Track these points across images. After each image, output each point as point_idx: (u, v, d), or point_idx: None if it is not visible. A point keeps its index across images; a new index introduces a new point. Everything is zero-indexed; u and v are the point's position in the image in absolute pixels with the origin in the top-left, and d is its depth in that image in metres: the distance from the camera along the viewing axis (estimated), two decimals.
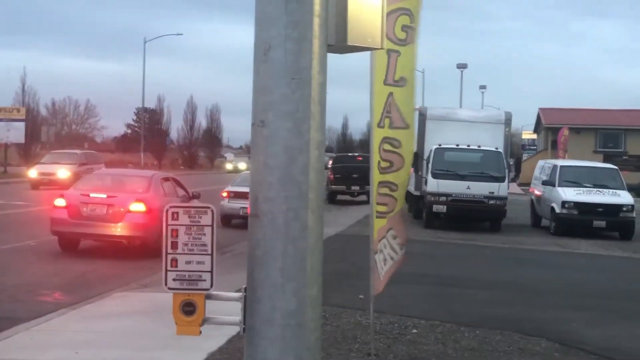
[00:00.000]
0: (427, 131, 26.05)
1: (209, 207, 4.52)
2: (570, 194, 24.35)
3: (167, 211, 4.49)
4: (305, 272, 4.19)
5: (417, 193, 26.52)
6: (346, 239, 19.97)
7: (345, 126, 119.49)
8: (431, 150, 24.83)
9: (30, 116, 64.21)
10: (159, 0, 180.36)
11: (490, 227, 24.87)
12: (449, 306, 11.86)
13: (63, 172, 39.15)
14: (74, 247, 16.81)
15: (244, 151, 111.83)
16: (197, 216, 4.48)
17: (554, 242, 22.55)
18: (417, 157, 25.54)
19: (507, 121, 26.55)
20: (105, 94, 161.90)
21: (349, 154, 47.47)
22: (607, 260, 19.42)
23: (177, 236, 4.47)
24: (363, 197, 33.92)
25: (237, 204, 22.88)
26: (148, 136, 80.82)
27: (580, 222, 24.00)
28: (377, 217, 7.96)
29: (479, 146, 24.78)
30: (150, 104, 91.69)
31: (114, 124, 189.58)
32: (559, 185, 24.88)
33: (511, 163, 26.56)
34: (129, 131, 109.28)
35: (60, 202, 16.43)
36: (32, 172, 40.50)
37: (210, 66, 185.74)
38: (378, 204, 7.93)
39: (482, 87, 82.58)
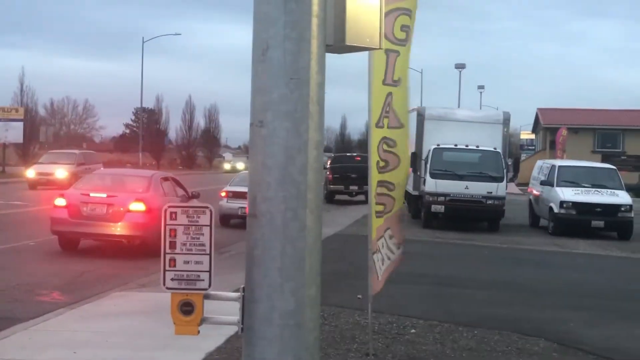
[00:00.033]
0: (426, 131, 26.07)
1: (207, 207, 4.52)
2: (569, 194, 24.36)
3: (165, 211, 4.49)
4: (303, 272, 4.20)
5: (415, 193, 26.53)
6: (345, 239, 19.96)
7: (343, 126, 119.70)
8: (429, 150, 24.83)
9: (29, 116, 64.25)
10: (158, 0, 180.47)
11: (488, 227, 24.88)
12: (448, 306, 11.86)
13: (61, 172, 39.11)
14: (74, 246, 16.84)
15: (243, 151, 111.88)
16: (195, 216, 4.48)
17: (553, 242, 22.56)
18: (416, 157, 25.61)
19: (506, 121, 26.56)
20: (104, 94, 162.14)
21: (348, 154, 47.53)
22: (606, 260, 19.43)
23: (175, 236, 4.47)
24: (361, 197, 33.97)
25: (236, 204, 22.88)
26: (146, 136, 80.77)
27: (579, 222, 24.01)
28: (376, 216, 7.96)
29: (478, 146, 24.79)
30: (149, 104, 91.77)
31: (113, 124, 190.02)
32: (558, 185, 24.89)
33: (509, 163, 26.58)
34: (128, 131, 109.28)
35: (60, 201, 16.48)
36: (30, 172, 40.42)
37: (208, 66, 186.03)
38: (376, 203, 7.94)
39: (481, 87, 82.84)
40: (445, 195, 24.13)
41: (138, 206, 16.11)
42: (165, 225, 4.47)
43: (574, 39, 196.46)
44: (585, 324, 11.01)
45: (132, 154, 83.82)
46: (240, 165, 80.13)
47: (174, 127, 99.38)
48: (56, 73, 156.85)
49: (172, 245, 4.48)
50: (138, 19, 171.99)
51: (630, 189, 30.14)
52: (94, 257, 16.17)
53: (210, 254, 4.49)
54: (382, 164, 7.92)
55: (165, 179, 18.26)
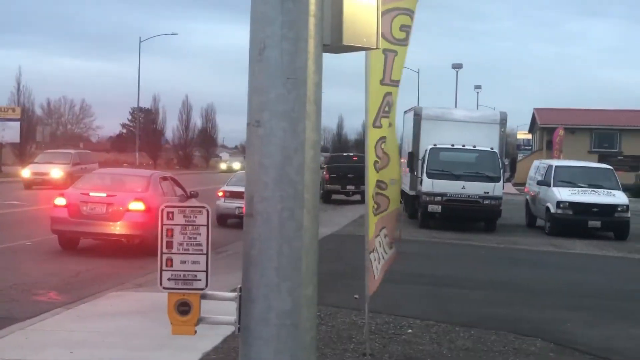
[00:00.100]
0: (422, 131, 26.09)
1: (204, 207, 4.52)
2: (565, 194, 24.38)
3: (162, 211, 4.49)
4: (300, 272, 4.20)
5: (412, 193, 26.54)
6: (341, 239, 19.97)
7: (340, 126, 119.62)
8: (426, 150, 24.84)
9: (26, 116, 64.19)
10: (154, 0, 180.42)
11: (485, 227, 24.88)
12: (444, 306, 11.86)
13: (56, 172, 39.05)
14: (73, 245, 16.94)
15: (239, 151, 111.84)
16: (192, 216, 4.48)
17: (549, 242, 22.57)
18: (413, 157, 25.65)
19: (502, 121, 26.57)
20: (101, 93, 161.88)
21: (344, 154, 47.63)
22: (602, 261, 19.43)
23: (172, 236, 4.47)
24: (357, 197, 34.03)
25: (233, 204, 22.89)
26: (143, 136, 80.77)
27: (575, 222, 24.02)
28: (373, 215, 7.98)
29: (474, 146, 24.80)
30: (146, 103, 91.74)
31: (109, 123, 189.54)
32: (554, 185, 24.91)
33: (506, 163, 26.58)
34: (124, 131, 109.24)
35: (60, 201, 16.57)
36: (25, 172, 40.34)
37: (205, 66, 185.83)
38: (374, 202, 7.96)
39: (477, 87, 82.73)
40: (442, 195, 24.14)
41: (137, 205, 16.20)
42: (162, 225, 4.47)
43: (571, 39, 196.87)
44: (582, 324, 11.02)
45: (129, 153, 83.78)
46: (236, 165, 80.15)
47: (171, 127, 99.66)
48: (53, 73, 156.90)
49: (169, 245, 4.48)
50: (135, 18, 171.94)
51: (626, 189, 30.16)
52: (91, 256, 16.17)
53: (207, 254, 4.49)
54: (379, 163, 7.95)
55: (164, 178, 18.36)
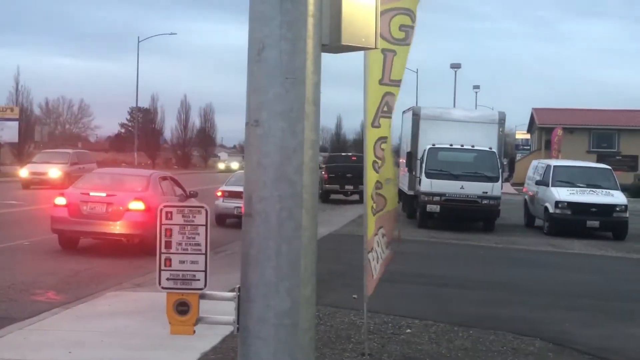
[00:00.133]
0: (421, 131, 26.09)
1: (202, 207, 4.52)
2: (564, 194, 24.39)
3: (161, 210, 4.49)
4: (299, 272, 4.20)
5: (410, 193, 26.55)
6: (340, 239, 19.97)
7: (339, 126, 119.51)
8: (425, 150, 24.84)
9: (24, 115, 64.22)
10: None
11: (483, 227, 24.89)
12: (443, 306, 11.86)
13: (54, 172, 39.01)
14: (73, 245, 17.01)
15: (238, 150, 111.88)
16: (190, 216, 4.48)
17: (548, 242, 22.57)
18: (411, 157, 25.65)
19: (501, 121, 26.58)
20: (99, 93, 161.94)
21: (343, 154, 47.72)
22: (601, 260, 19.44)
23: (171, 235, 4.47)
24: (356, 197, 34.07)
25: (232, 204, 22.89)
26: (142, 135, 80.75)
27: (574, 222, 24.03)
28: (372, 215, 7.98)
29: (473, 146, 24.80)
30: (144, 103, 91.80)
31: (108, 123, 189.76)
32: (553, 185, 24.92)
33: (505, 163, 26.59)
34: (123, 130, 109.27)
35: (60, 200, 16.65)
36: (23, 172, 40.28)
37: (204, 66, 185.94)
38: (373, 202, 7.96)
39: (476, 87, 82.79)
40: (440, 195, 24.14)
41: (137, 205, 16.27)
42: (161, 224, 4.47)
43: (570, 39, 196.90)
44: (580, 323, 11.02)
45: (127, 153, 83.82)
46: (234, 165, 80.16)
47: (170, 127, 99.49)
48: (51, 72, 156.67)
49: (168, 244, 4.48)
50: (134, 18, 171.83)
51: (625, 189, 30.18)
52: (90, 256, 16.17)
53: (205, 254, 4.49)
54: (378, 163, 7.95)
55: (164, 178, 18.44)
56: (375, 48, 4.69)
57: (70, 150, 45.99)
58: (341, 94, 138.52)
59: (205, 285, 4.48)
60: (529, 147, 78.78)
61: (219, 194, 23.73)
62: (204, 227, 4.47)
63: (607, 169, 26.85)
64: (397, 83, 7.93)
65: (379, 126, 7.93)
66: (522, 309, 11.90)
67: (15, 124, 57.03)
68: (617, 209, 24.05)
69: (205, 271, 4.48)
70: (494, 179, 24.24)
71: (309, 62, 4.19)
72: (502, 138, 26.92)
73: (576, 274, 16.59)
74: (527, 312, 11.70)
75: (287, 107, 4.15)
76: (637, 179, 50.46)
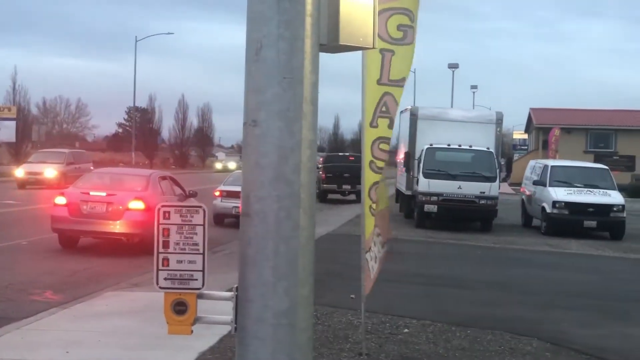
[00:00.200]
0: (419, 131, 26.09)
1: (200, 207, 4.52)
2: (561, 194, 24.41)
3: (158, 210, 4.48)
4: (296, 272, 4.19)
5: (408, 193, 26.56)
6: (337, 239, 19.98)
7: (336, 126, 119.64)
8: (422, 150, 24.85)
9: (21, 115, 64.20)
10: None
11: (481, 227, 24.91)
12: (441, 306, 11.87)
13: (50, 172, 38.93)
14: (73, 244, 17.10)
15: (236, 150, 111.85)
16: (188, 215, 4.47)
17: (545, 242, 22.59)
18: (409, 157, 25.66)
19: (499, 121, 26.59)
20: (97, 93, 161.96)
21: (340, 154, 47.74)
22: (598, 260, 19.46)
23: (168, 235, 4.47)
24: (353, 197, 34.09)
25: (230, 203, 22.90)
26: (139, 135, 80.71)
27: (571, 222, 24.05)
28: (370, 215, 7.98)
29: (470, 146, 24.81)
30: (142, 103, 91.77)
31: (106, 123, 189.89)
32: (550, 185, 24.93)
33: (502, 163, 26.65)
34: (120, 130, 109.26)
35: (60, 199, 16.76)
36: (19, 172, 40.20)
37: (202, 65, 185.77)
38: (373, 202, 7.96)
39: (474, 87, 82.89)
40: (438, 195, 24.15)
41: (137, 204, 16.38)
42: (159, 224, 4.46)
43: (567, 39, 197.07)
44: (578, 323, 11.04)
45: (125, 153, 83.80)
46: (232, 165, 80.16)
47: (167, 127, 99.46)
48: (49, 72, 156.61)
49: (166, 244, 4.47)
50: (131, 18, 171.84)
51: (622, 189, 30.19)
52: (88, 255, 16.19)
53: (203, 254, 4.48)
54: (380, 163, 7.95)
55: (164, 177, 18.57)
56: (373, 48, 4.69)
57: (66, 150, 45.91)
58: (339, 94, 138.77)
59: (203, 285, 4.48)
60: (526, 147, 78.78)
61: (217, 193, 23.75)
62: (202, 226, 4.47)
63: (605, 169, 26.87)
64: (397, 83, 7.91)
65: (377, 126, 7.93)
66: (520, 309, 11.91)
67: (13, 123, 57.04)
68: (615, 209, 24.07)
69: (203, 271, 4.48)
70: (491, 179, 24.26)
71: (307, 62, 4.19)
72: (499, 138, 26.94)
73: (573, 274, 16.60)
74: (524, 312, 11.71)
75: (285, 106, 4.15)
76: (634, 179, 50.51)
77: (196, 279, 4.47)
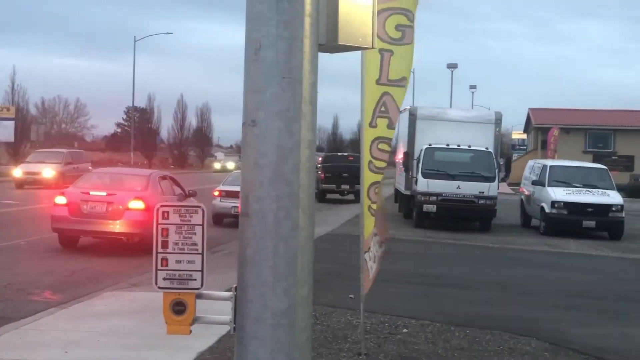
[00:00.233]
0: (418, 131, 26.11)
1: (199, 207, 4.51)
2: (560, 193, 24.41)
3: (157, 210, 4.48)
4: (296, 272, 4.19)
5: (407, 193, 26.57)
6: (336, 239, 19.98)
7: (335, 126, 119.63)
8: (421, 150, 24.86)
9: (20, 115, 64.23)
10: None
11: (480, 227, 24.91)
12: (439, 306, 11.87)
13: (48, 172, 38.87)
14: (73, 244, 17.13)
15: (235, 150, 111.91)
16: (187, 215, 4.47)
17: (544, 242, 22.60)
18: (408, 157, 25.66)
19: (497, 121, 26.60)
20: (95, 93, 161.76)
21: (339, 154, 47.77)
22: (597, 260, 19.46)
23: (167, 235, 4.46)
24: (351, 196, 34.09)
25: (229, 203, 22.91)
26: (138, 135, 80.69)
27: (570, 222, 24.06)
28: (370, 215, 7.98)
29: (469, 146, 24.82)
30: (141, 103, 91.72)
31: (104, 123, 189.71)
32: (549, 185, 24.94)
33: (501, 163, 26.67)
34: (119, 130, 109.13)
35: (60, 199, 16.79)
36: (17, 172, 40.15)
37: (200, 65, 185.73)
38: (372, 202, 7.97)
39: (472, 87, 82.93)
40: (437, 195, 24.15)
41: (137, 204, 16.42)
42: (158, 224, 4.46)
43: (567, 39, 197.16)
44: (576, 323, 11.04)
45: (124, 153, 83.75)
46: (230, 165, 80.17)
47: (166, 126, 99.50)
48: (48, 72, 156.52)
49: (164, 244, 4.47)
50: (131, 18, 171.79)
51: (621, 189, 30.21)
52: (87, 255, 16.20)
53: (202, 254, 4.48)
54: (379, 164, 7.95)
55: (163, 177, 18.62)
56: (372, 48, 4.69)
57: (64, 150, 45.86)
58: (338, 94, 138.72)
59: (202, 285, 4.48)
60: (525, 147, 78.78)
61: (216, 193, 23.75)
62: (201, 226, 4.47)
63: (603, 169, 26.88)
64: (396, 83, 7.91)
65: (376, 126, 7.93)
66: (519, 309, 11.91)
67: (11, 123, 57.04)
68: (613, 209, 24.08)
69: (202, 271, 4.47)
70: (490, 179, 24.27)
71: (306, 62, 4.19)
72: (498, 138, 26.94)
73: (572, 274, 16.61)
74: (523, 311, 11.71)
75: (284, 106, 4.15)
76: (633, 179, 50.54)
77: (195, 279, 4.47)
